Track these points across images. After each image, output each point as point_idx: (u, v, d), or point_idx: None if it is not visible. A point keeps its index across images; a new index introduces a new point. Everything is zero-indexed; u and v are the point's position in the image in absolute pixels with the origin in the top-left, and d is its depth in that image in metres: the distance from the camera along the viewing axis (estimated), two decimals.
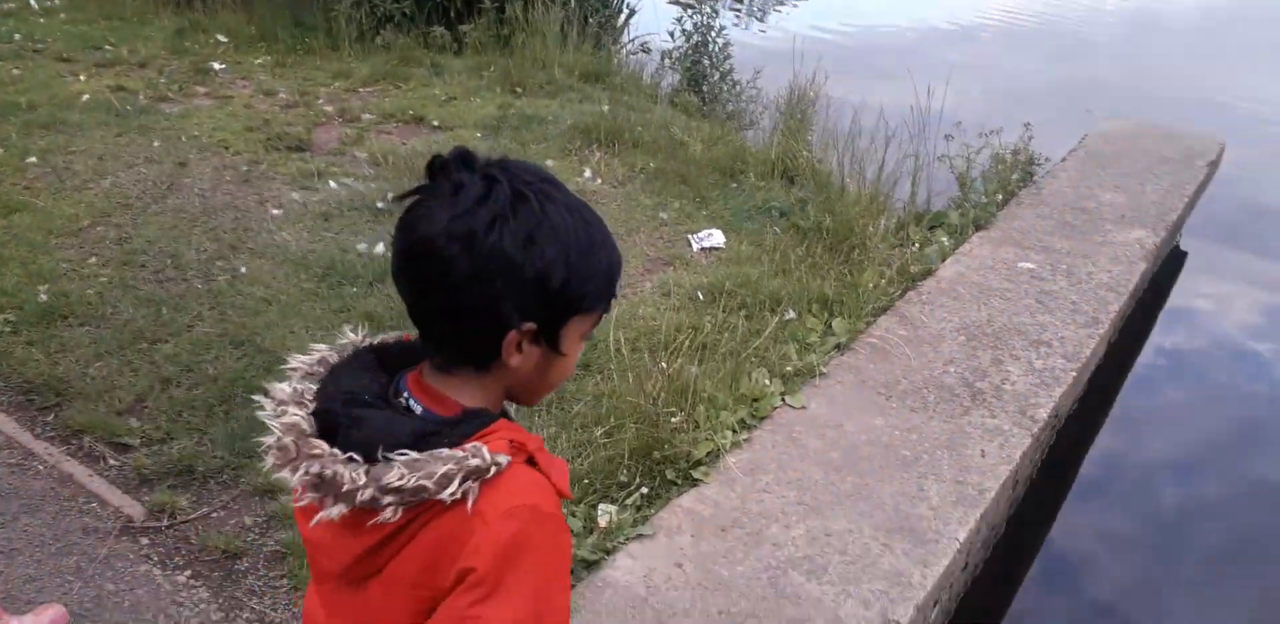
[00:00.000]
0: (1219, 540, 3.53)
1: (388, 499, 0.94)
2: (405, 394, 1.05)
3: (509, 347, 1.01)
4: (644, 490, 2.56)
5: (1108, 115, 6.78)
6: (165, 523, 2.47)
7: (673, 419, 2.77)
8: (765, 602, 2.25)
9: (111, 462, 2.68)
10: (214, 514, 2.52)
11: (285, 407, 1.01)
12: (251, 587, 2.29)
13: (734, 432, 2.82)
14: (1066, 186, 5.22)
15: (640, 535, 2.40)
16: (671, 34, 6.80)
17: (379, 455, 0.96)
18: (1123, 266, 4.28)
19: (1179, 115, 6.91)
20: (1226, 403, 4.41)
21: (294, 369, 1.08)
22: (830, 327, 3.49)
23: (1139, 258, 4.38)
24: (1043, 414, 3.11)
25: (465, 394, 1.05)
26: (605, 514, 2.44)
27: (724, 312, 3.51)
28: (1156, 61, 10.17)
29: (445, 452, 0.96)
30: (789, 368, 3.14)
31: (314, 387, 1.06)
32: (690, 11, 6.69)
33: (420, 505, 0.96)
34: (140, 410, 2.89)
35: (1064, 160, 5.73)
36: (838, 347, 3.38)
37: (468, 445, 0.97)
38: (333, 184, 4.53)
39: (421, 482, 0.94)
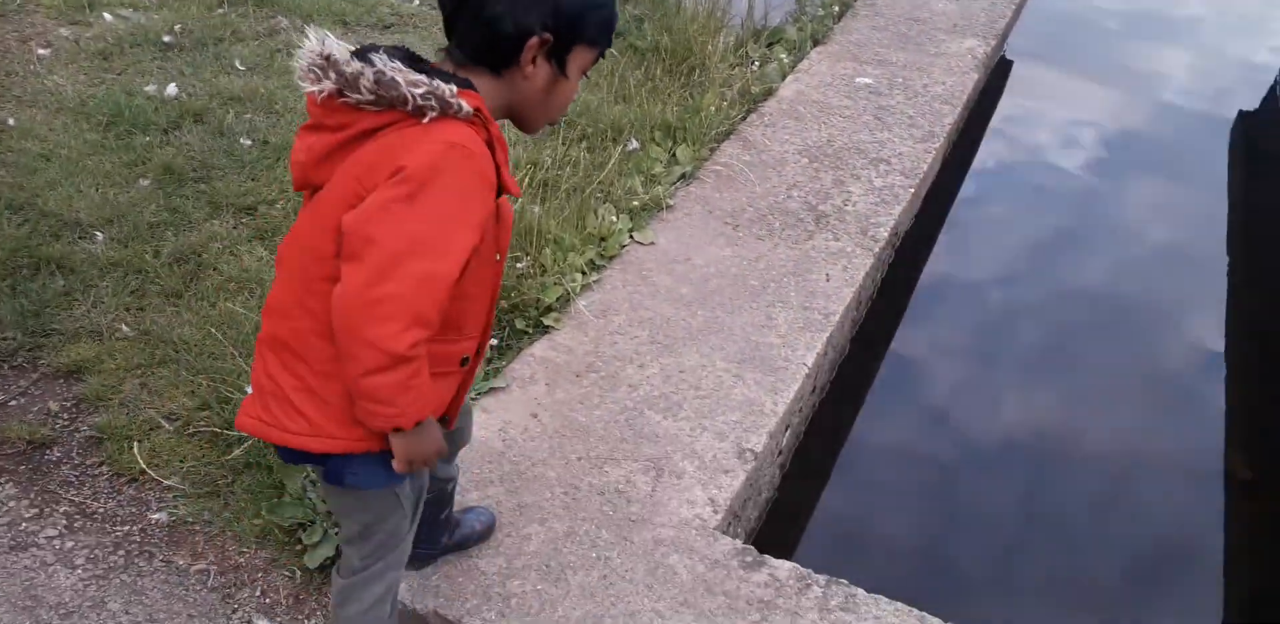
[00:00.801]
0: (1036, 341, 3.74)
1: (367, 81, 1.14)
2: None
3: (529, 51, 1.23)
4: (493, 342, 2.45)
5: None
6: None
7: (519, 265, 2.63)
8: (624, 443, 2.23)
9: None
10: (12, 402, 2.27)
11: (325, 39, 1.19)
12: (66, 477, 2.10)
13: (584, 273, 2.71)
14: None
15: (493, 389, 2.32)
16: None
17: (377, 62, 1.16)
18: (956, 78, 4.26)
19: None
20: (1047, 213, 4.57)
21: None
22: (675, 155, 3.35)
23: (971, 68, 4.36)
24: (883, 233, 3.12)
25: (480, 90, 1.23)
26: None
27: (564, 144, 3.31)
28: None
29: (436, 79, 1.16)
30: (635, 202, 3.01)
31: None
32: None
33: (387, 113, 1.16)
34: None
35: None
36: (683, 176, 3.27)
37: (449, 85, 1.16)
38: (108, 16, 3.94)
39: (398, 77, 1.14)
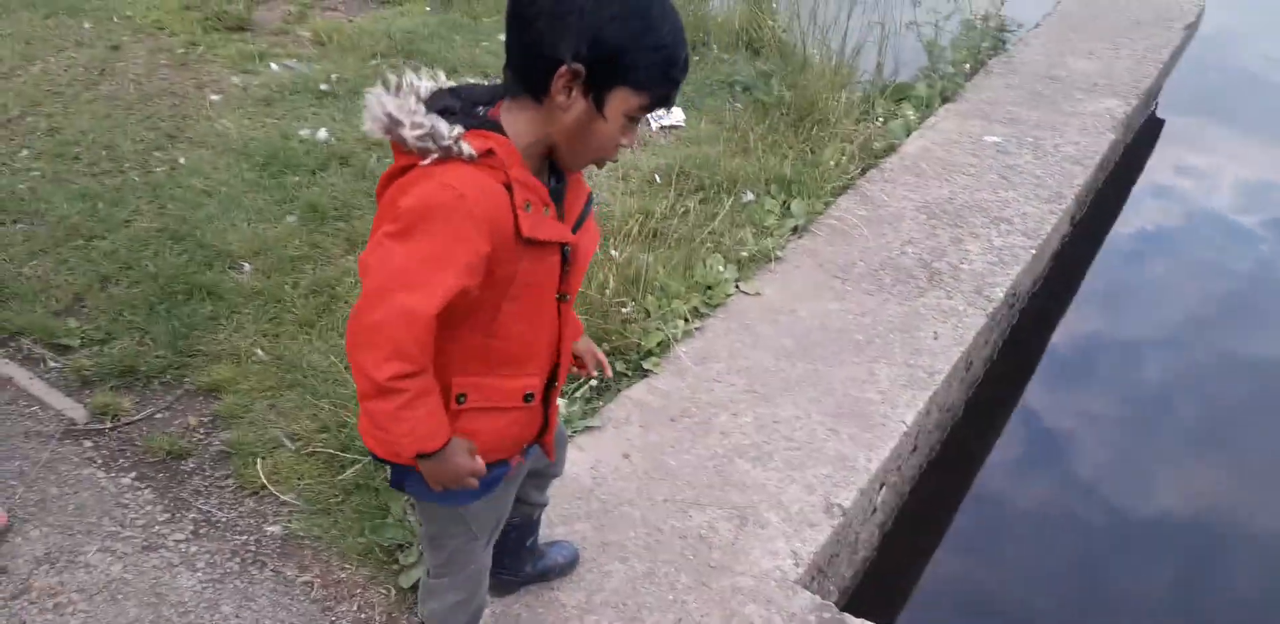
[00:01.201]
0: (1174, 411, 3.58)
1: (381, 118, 1.21)
2: (484, 108, 1.28)
3: (558, 81, 1.19)
4: (593, 383, 2.54)
5: None
6: (108, 425, 2.44)
7: (623, 310, 2.73)
8: (710, 489, 2.27)
9: (51, 363, 2.64)
10: (158, 415, 2.50)
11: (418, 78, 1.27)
12: (197, 487, 2.29)
13: (686, 320, 2.78)
14: (1038, 55, 5.05)
15: (589, 428, 2.40)
16: None
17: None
18: (1090, 138, 4.18)
19: None
20: (1199, 277, 4.38)
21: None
22: (789, 208, 3.41)
23: (1107, 128, 4.27)
24: (999, 293, 3.08)
25: (518, 122, 1.25)
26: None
27: (679, 195, 3.42)
28: None
29: (439, 120, 1.19)
30: (744, 253, 3.08)
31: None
32: None
33: (412, 156, 1.21)
34: (79, 310, 2.82)
35: (1038, 26, 5.52)
36: (795, 229, 3.32)
37: (457, 127, 1.20)
38: (274, 66, 4.31)
39: (402, 117, 1.19)
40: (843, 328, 2.86)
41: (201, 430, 2.46)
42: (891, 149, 3.93)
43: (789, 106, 4.03)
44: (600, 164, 1.34)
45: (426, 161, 1.20)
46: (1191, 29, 5.70)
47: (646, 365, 2.61)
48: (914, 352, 2.79)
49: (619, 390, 2.54)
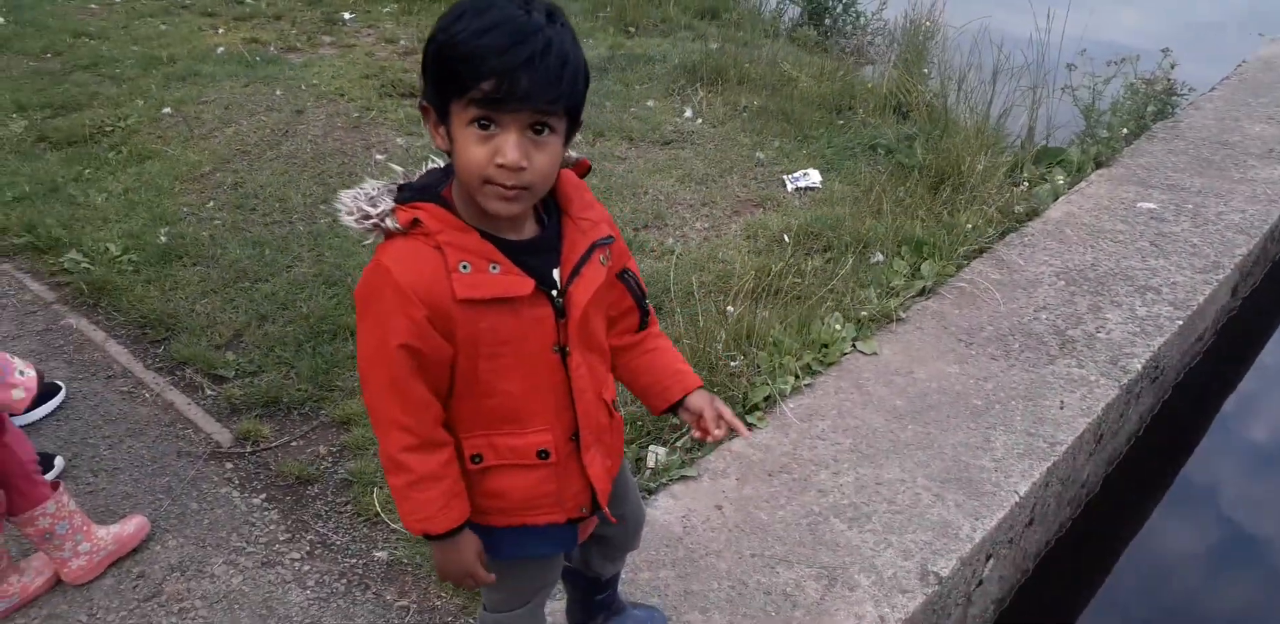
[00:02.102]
0: None
1: (337, 207, 1.29)
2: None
3: (429, 123, 1.27)
4: (694, 433, 2.57)
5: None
6: (248, 449, 2.66)
7: (732, 363, 2.76)
8: (801, 546, 2.24)
9: (209, 391, 2.89)
10: (293, 443, 2.70)
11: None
12: (318, 511, 2.46)
13: (796, 377, 2.78)
14: (1210, 119, 4.82)
15: (684, 477, 2.43)
16: None
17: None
18: (1260, 206, 3.94)
19: None
20: None
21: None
22: (918, 270, 3.37)
23: None
24: (1136, 364, 2.93)
25: (457, 188, 1.29)
26: (653, 455, 2.48)
27: (806, 254, 3.44)
28: None
29: (373, 199, 1.27)
30: (865, 312, 3.06)
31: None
32: None
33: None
34: (237, 345, 3.09)
35: (1213, 90, 5.28)
36: (923, 291, 3.27)
37: (386, 202, 1.27)
38: None
39: (340, 204, 1.28)
40: (961, 392, 2.79)
41: (330, 459, 2.64)
42: (1035, 213, 3.83)
43: (929, 169, 4.00)
44: (501, 197, 1.22)
45: (368, 242, 1.29)
46: None
47: (750, 419, 2.62)
48: (1036, 421, 2.69)
49: (719, 442, 2.56)
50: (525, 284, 1.29)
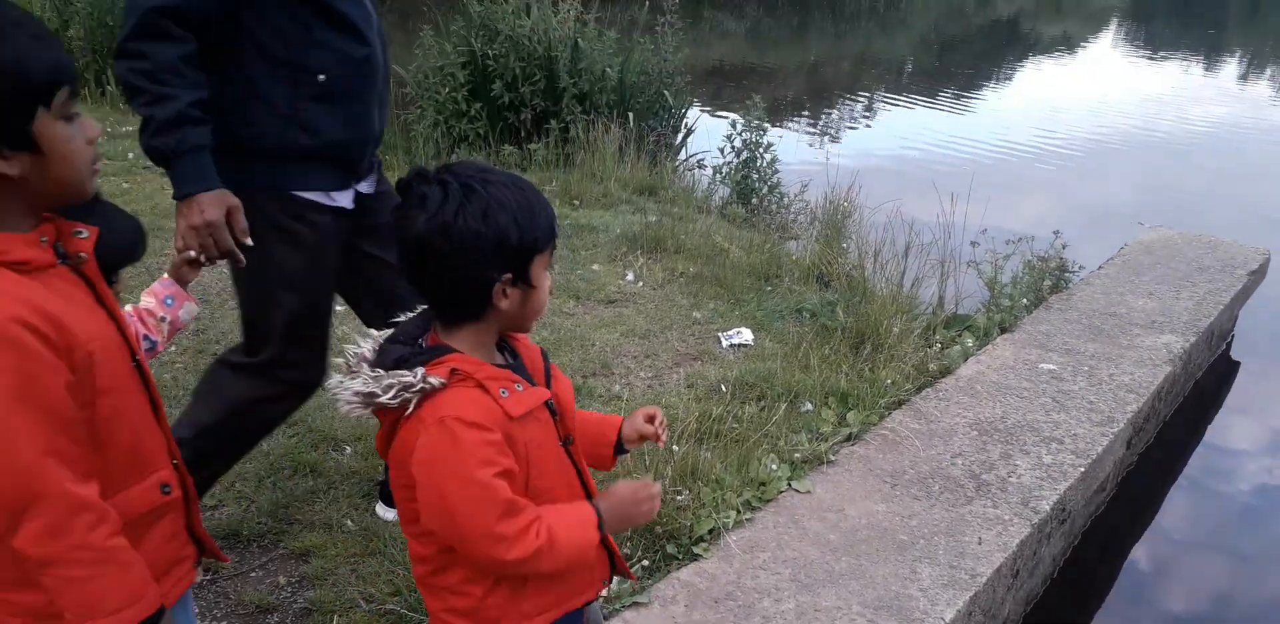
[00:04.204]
0: None
1: (354, 400, 1.41)
2: (422, 338, 1.51)
3: (497, 295, 1.44)
4: (645, 563, 2.73)
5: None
6: (209, 578, 2.72)
7: (679, 497, 2.95)
8: None
9: None
10: (252, 573, 2.76)
11: (362, 342, 1.50)
12: None
13: (738, 512, 2.98)
14: (1099, 293, 5.35)
15: (636, 603, 2.57)
16: (722, 150, 7.25)
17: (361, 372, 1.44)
18: (1146, 370, 4.37)
19: (1238, 231, 6.91)
20: (1265, 514, 4.36)
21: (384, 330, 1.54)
22: (845, 418, 3.66)
23: (1164, 361, 4.46)
24: (1045, 506, 3.20)
25: (462, 340, 1.48)
26: (606, 584, 2.61)
27: (743, 402, 3.72)
28: (1230, 177, 10.13)
29: (398, 373, 1.40)
30: (798, 454, 3.31)
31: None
32: (740, 129, 7.14)
33: (397, 411, 1.42)
34: None
35: (1100, 269, 5.87)
36: (849, 437, 3.54)
37: (417, 369, 1.40)
38: None
39: (373, 389, 1.39)
40: (888, 528, 3.01)
41: (289, 589, 2.71)
42: (947, 371, 4.19)
43: (850, 330, 4.38)
44: (540, 316, 1.56)
45: (411, 409, 1.40)
46: (1257, 275, 5.95)
47: (696, 550, 2.79)
48: (958, 555, 2.91)
49: (668, 571, 2.72)
50: (544, 391, 1.55)
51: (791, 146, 10.06)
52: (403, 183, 1.43)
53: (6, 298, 1.23)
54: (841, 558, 2.84)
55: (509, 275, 1.44)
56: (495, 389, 1.45)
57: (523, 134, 7.94)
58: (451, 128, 7.78)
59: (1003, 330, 4.72)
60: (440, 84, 7.73)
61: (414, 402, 1.39)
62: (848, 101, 14.44)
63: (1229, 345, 5.92)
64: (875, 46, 21.57)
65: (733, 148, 7.14)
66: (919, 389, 4.00)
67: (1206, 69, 18.80)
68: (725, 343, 4.43)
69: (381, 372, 1.41)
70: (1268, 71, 18.69)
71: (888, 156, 10.21)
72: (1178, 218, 7.19)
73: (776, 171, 7.09)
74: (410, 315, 1.56)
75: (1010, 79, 17.67)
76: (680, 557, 2.79)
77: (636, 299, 4.89)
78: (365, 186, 2.56)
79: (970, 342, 4.52)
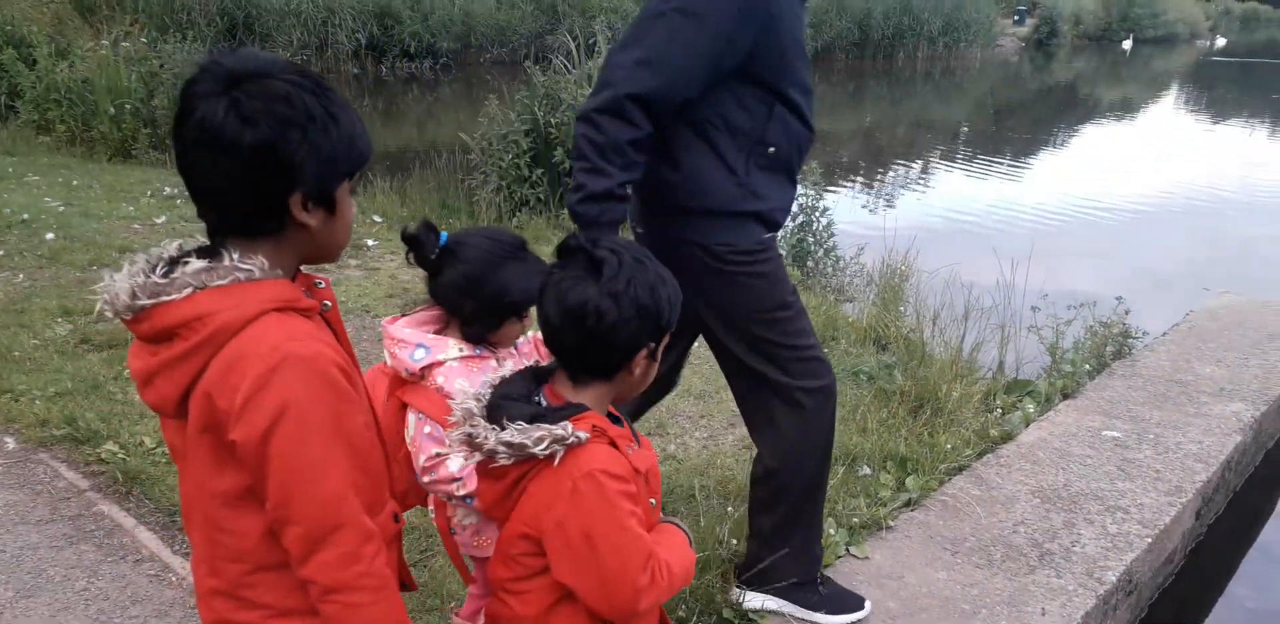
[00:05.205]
0: None
1: (502, 450, 1.47)
2: (539, 394, 1.59)
3: (640, 360, 1.57)
4: None
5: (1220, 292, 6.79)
6: None
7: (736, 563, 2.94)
8: None
9: None
10: None
11: (465, 399, 1.56)
12: None
13: None
14: (1164, 360, 5.27)
15: None
16: None
17: (503, 424, 1.49)
18: (1215, 438, 4.27)
19: None
20: None
21: (488, 384, 1.62)
22: (904, 483, 3.62)
23: (1234, 430, 4.36)
24: (1111, 576, 3.12)
25: (590, 399, 1.57)
26: None
27: None
28: None
29: (545, 425, 1.46)
30: (856, 519, 3.28)
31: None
32: (797, 193, 7.22)
33: (527, 461, 1.47)
34: None
35: (1165, 335, 5.78)
36: (908, 502, 3.50)
37: (565, 424, 1.46)
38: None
39: (523, 440, 1.45)
40: (949, 596, 2.96)
41: None
42: (1009, 437, 4.14)
43: (909, 394, 4.36)
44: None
45: (557, 463, 1.46)
46: None
47: (753, 615, 2.77)
48: None
49: None
50: (654, 453, 1.66)
51: (846, 210, 10.13)
52: (570, 244, 1.55)
53: (318, 342, 1.32)
54: None
55: (653, 345, 1.57)
56: (623, 446, 1.54)
57: None
58: (513, 193, 7.99)
59: (1065, 396, 4.66)
60: (504, 151, 7.96)
61: (559, 455, 1.46)
62: (903, 165, 14.52)
63: None
64: (931, 111, 21.72)
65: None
66: (979, 455, 3.95)
67: (1271, 132, 18.58)
68: None
69: (524, 424, 1.47)
70: None
71: (944, 220, 10.22)
72: (1245, 284, 7.06)
73: (832, 234, 7.13)
74: (508, 373, 1.65)
75: (1068, 143, 17.64)
76: (736, 621, 2.77)
77: (693, 360, 4.91)
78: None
79: (1032, 407, 4.46)
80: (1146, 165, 14.01)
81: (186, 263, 1.32)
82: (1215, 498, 4.27)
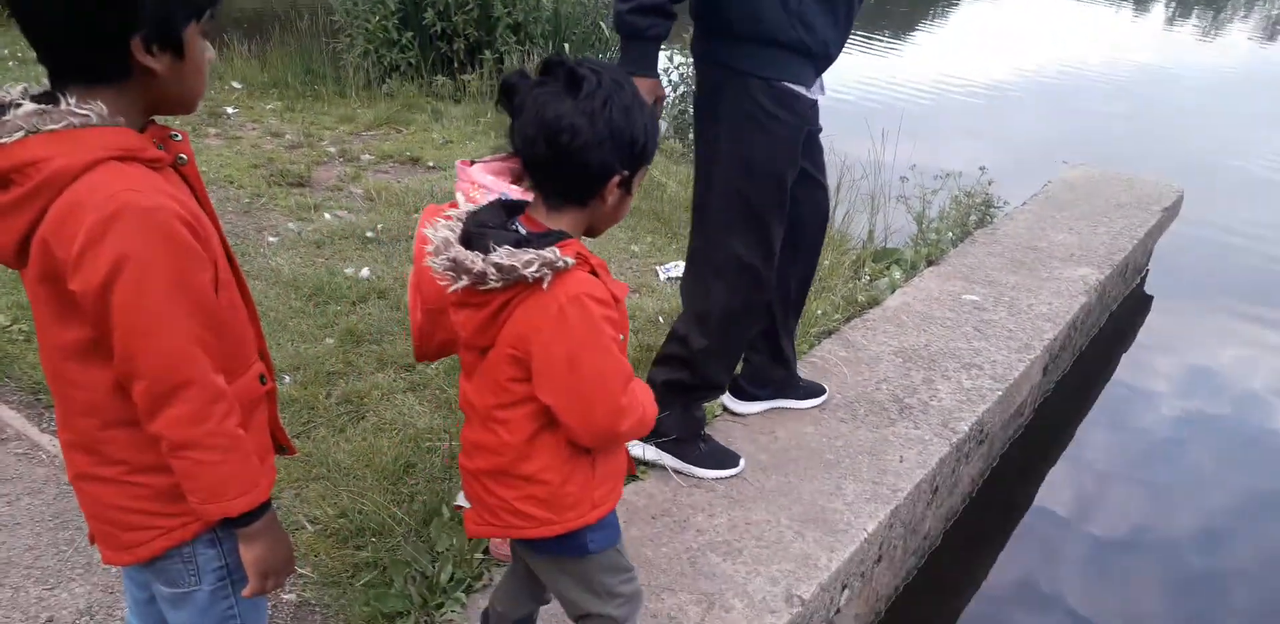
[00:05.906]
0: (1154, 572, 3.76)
1: (492, 272, 1.45)
2: (516, 223, 1.57)
3: (612, 187, 1.53)
4: None
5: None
6: None
7: None
8: (683, 577, 2.51)
9: None
10: None
11: (439, 229, 1.54)
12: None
13: None
14: (1022, 228, 5.53)
15: None
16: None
17: (490, 249, 1.47)
18: (1063, 300, 4.56)
19: (1159, 169, 7.14)
20: (1175, 443, 4.62)
21: (447, 216, 1.59)
22: None
23: (1080, 292, 4.66)
24: (964, 427, 3.37)
25: (565, 222, 1.56)
26: None
27: None
28: (1153, 119, 10.42)
29: (532, 250, 1.46)
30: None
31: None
32: (677, 64, 7.11)
33: (515, 286, 1.47)
34: None
35: (1024, 204, 6.05)
36: None
37: (551, 248, 1.46)
38: (327, 216, 4.88)
39: (513, 263, 1.44)
40: (816, 448, 3.15)
41: None
42: (875, 302, 4.33)
43: None
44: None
45: (546, 286, 1.46)
46: (1171, 211, 6.18)
47: (637, 473, 2.90)
48: (880, 472, 3.06)
49: None
50: (625, 284, 1.71)
51: None
52: (552, 62, 1.50)
53: (161, 194, 1.25)
54: (771, 476, 2.98)
55: (626, 172, 1.53)
56: (603, 275, 1.55)
57: (456, 65, 7.80)
58: (382, 57, 7.61)
59: (929, 263, 4.88)
60: (370, 12, 7.52)
61: (548, 279, 1.46)
62: None
63: (1143, 279, 6.19)
64: None
65: (670, 82, 7.11)
66: (848, 319, 4.13)
67: (1136, 13, 19.09)
68: (663, 276, 4.50)
69: (512, 249, 1.46)
70: (1193, 16, 19.05)
71: None
72: (1100, 158, 7.40)
73: None
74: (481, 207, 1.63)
75: (947, 20, 17.75)
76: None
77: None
78: (816, 92, 2.65)
79: (898, 274, 4.66)
80: (1018, 45, 14.26)
81: (19, 106, 1.24)
82: (1062, 356, 4.60)
